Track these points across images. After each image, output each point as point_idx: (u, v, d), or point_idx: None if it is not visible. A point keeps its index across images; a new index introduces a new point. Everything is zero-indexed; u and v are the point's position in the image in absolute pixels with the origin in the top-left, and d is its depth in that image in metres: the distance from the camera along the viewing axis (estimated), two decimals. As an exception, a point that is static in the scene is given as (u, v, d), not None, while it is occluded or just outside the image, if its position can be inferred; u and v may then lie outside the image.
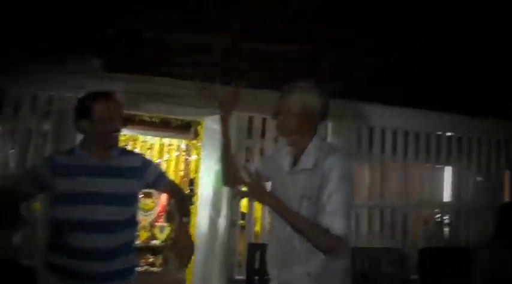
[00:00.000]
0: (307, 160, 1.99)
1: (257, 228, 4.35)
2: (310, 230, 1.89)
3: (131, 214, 2.27)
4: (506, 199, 4.73)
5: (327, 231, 1.84)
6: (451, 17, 2.83)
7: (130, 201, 2.26)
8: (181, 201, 2.44)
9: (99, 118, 2.08)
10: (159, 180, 2.35)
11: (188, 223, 2.34)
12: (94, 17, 2.72)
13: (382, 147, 4.26)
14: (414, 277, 3.90)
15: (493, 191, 4.69)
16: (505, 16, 2.77)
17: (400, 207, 4.32)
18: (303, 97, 2.01)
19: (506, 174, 4.85)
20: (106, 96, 2.14)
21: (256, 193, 1.94)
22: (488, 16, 2.79)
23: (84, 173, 2.11)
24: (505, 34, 3.11)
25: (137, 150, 6.60)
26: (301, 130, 2.03)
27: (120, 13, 2.66)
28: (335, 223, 1.84)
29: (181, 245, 2.14)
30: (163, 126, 6.10)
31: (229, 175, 2.32)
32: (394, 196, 4.34)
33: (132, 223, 2.30)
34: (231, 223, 3.73)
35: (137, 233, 6.34)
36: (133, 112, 4.06)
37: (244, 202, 4.08)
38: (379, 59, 3.83)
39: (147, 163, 2.33)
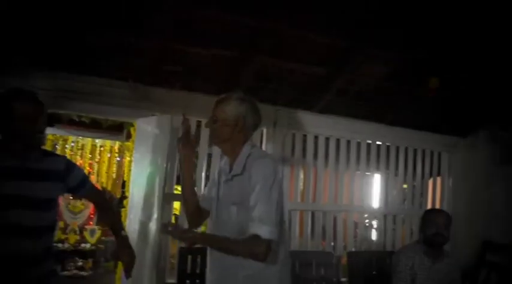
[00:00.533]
0: (238, 167, 2.02)
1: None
2: (236, 249, 1.94)
3: (53, 218, 2.20)
4: (429, 206, 4.98)
5: (253, 239, 1.87)
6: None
7: (53, 204, 2.17)
8: (110, 214, 2.42)
9: (20, 118, 1.97)
10: (81, 186, 2.27)
11: (127, 236, 2.35)
12: (19, 14, 2.60)
13: (315, 153, 4.35)
14: (344, 279, 4.02)
15: (418, 198, 4.92)
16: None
17: (331, 211, 4.43)
18: (236, 107, 2.04)
19: (431, 182, 5.11)
20: (28, 94, 2.03)
21: (187, 242, 2.02)
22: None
23: (4, 175, 2.00)
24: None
25: (67, 151, 6.36)
26: (234, 139, 2.06)
27: (46, 10, 2.55)
28: (260, 229, 1.87)
29: (126, 259, 2.26)
30: (94, 127, 5.87)
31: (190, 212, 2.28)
32: (326, 201, 4.44)
33: (53, 227, 2.23)
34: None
35: (66, 236, 6.15)
36: (60, 111, 3.88)
37: (177, 205, 4.02)
38: (313, 68, 3.93)
39: (71, 167, 2.24)
